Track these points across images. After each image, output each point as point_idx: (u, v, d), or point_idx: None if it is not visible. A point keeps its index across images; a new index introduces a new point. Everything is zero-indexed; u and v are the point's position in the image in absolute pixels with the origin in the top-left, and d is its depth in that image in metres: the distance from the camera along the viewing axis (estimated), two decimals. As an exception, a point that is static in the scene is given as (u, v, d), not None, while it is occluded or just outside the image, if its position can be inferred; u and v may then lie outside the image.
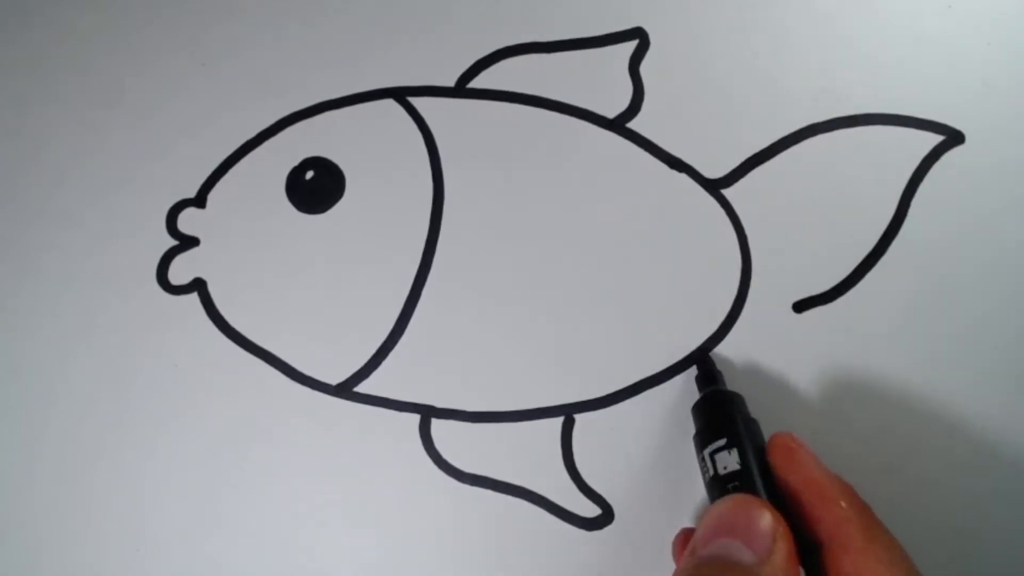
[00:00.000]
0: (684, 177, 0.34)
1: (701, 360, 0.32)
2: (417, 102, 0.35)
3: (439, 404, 0.33)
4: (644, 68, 0.35)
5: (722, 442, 0.27)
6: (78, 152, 0.36)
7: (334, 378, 0.34)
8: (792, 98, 0.34)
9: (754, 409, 0.30)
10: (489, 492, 0.32)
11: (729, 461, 0.27)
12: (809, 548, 0.25)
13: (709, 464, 0.27)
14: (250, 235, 0.35)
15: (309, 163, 0.35)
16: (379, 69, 0.36)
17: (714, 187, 0.34)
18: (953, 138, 0.33)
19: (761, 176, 0.34)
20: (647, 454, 0.32)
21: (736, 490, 0.26)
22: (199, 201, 0.36)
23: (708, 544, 0.24)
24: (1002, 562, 0.30)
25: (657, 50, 0.35)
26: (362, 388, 0.34)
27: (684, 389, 0.32)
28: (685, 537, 0.29)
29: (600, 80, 0.35)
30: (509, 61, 0.35)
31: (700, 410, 0.30)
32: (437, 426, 0.33)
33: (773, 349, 0.32)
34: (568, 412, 0.33)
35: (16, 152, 0.37)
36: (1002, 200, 0.32)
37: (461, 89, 0.35)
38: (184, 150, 0.36)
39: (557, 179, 0.34)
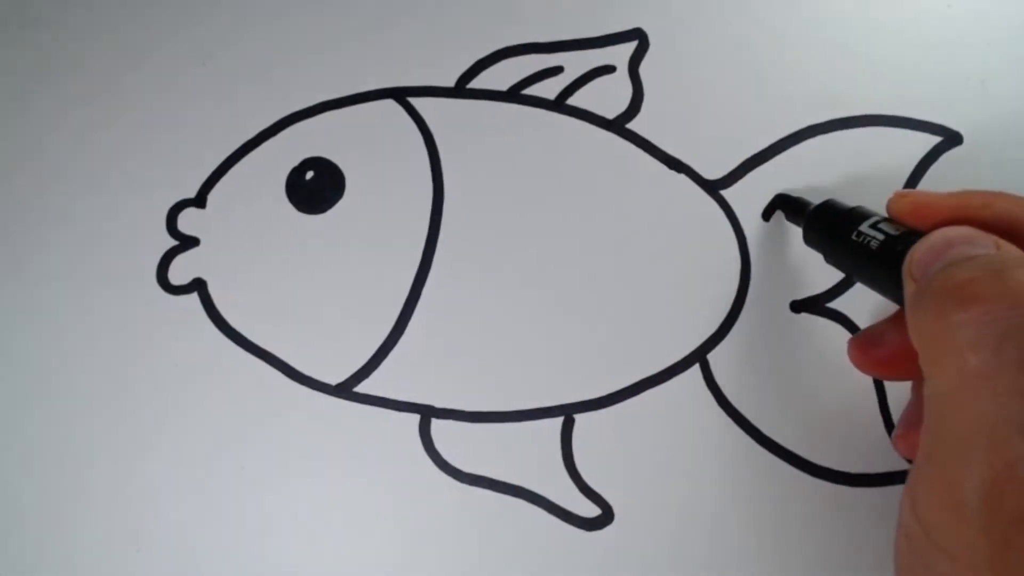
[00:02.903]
0: (683, 178, 0.34)
1: (782, 200, 0.32)
2: (417, 102, 0.35)
3: (439, 404, 0.33)
4: (644, 69, 0.35)
5: (880, 216, 0.26)
6: (78, 152, 0.36)
7: (334, 378, 0.34)
8: (791, 99, 0.34)
9: (754, 408, 0.30)
10: (489, 492, 0.32)
11: (895, 228, 0.25)
12: None
13: (876, 233, 0.25)
14: (250, 235, 0.35)
15: (309, 163, 0.35)
16: (379, 69, 0.36)
17: (713, 188, 0.34)
18: (951, 139, 0.33)
19: (761, 177, 0.34)
20: (647, 454, 0.32)
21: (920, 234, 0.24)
22: (199, 201, 0.36)
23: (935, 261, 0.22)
24: None
25: (657, 51, 0.35)
26: (362, 388, 0.34)
27: (684, 389, 0.32)
28: (864, 339, 0.28)
29: (600, 80, 0.35)
30: (509, 61, 0.35)
31: (832, 209, 0.28)
32: (437, 426, 0.33)
33: (773, 349, 0.32)
34: (568, 412, 0.33)
35: (16, 152, 0.37)
36: (1000, 201, 0.32)
37: (461, 89, 0.35)
38: (184, 150, 0.36)
39: (557, 180, 0.34)
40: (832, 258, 0.28)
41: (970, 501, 0.19)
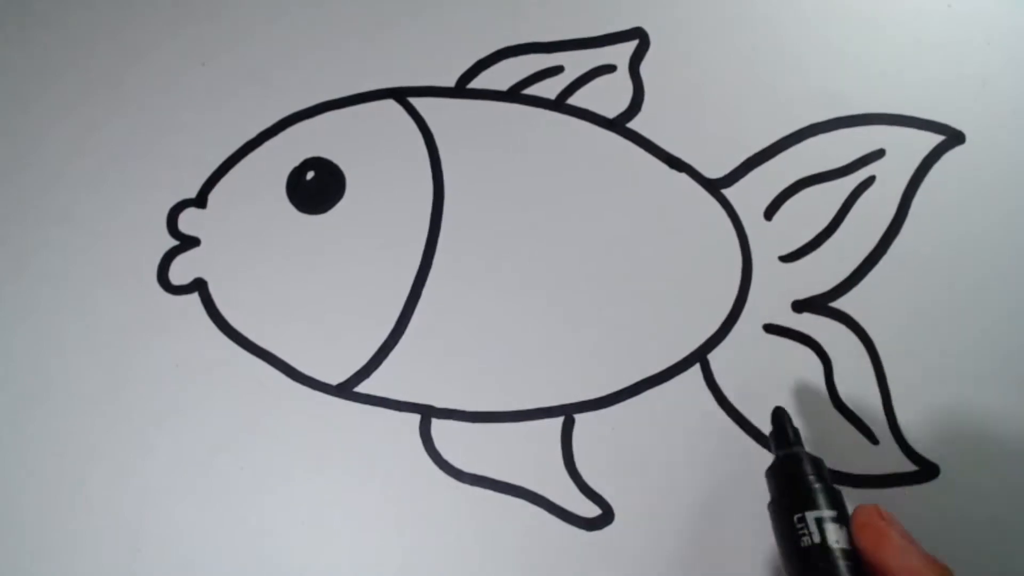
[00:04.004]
0: (684, 177, 0.34)
1: (777, 415, 0.30)
2: (417, 102, 0.35)
3: (439, 404, 0.33)
4: (644, 68, 0.35)
5: (833, 513, 0.26)
6: (79, 152, 0.36)
7: (334, 378, 0.34)
8: (792, 98, 0.34)
9: (754, 408, 0.30)
10: (489, 492, 0.32)
11: (840, 537, 0.25)
12: None
13: (815, 530, 0.25)
14: (250, 235, 0.35)
15: (309, 163, 0.35)
16: (379, 69, 0.36)
17: (714, 187, 0.34)
18: (953, 138, 0.33)
19: (761, 176, 0.34)
20: (647, 454, 0.32)
21: (851, 571, 0.25)
22: (200, 201, 0.36)
23: None
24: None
25: (658, 50, 0.35)
26: (362, 388, 0.34)
27: (684, 389, 0.32)
28: None
29: (600, 80, 0.35)
30: (509, 61, 0.35)
31: (792, 472, 0.28)
32: (437, 426, 0.33)
33: (773, 349, 0.32)
34: (568, 412, 0.33)
35: (17, 152, 0.37)
36: (1002, 199, 0.32)
37: (461, 89, 0.35)
38: (184, 150, 0.36)
39: (557, 179, 0.34)
40: (771, 511, 0.28)
41: None
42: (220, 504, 0.33)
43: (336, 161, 0.35)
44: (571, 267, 0.34)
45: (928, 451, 0.31)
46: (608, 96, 0.35)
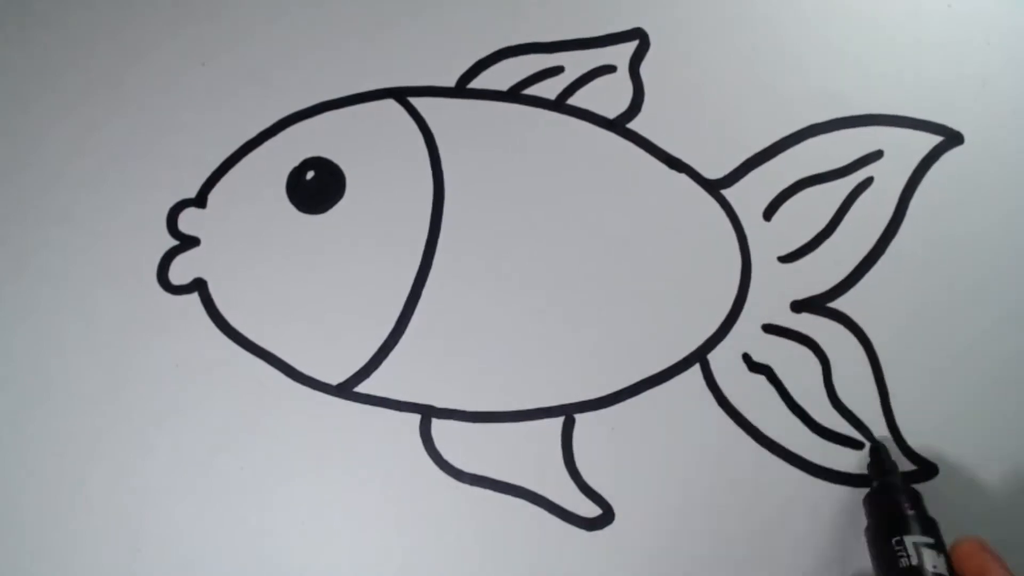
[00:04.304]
0: (684, 177, 0.34)
1: (875, 448, 0.31)
2: (417, 102, 0.35)
3: (439, 404, 0.33)
4: (644, 68, 0.35)
5: (931, 540, 0.27)
6: (79, 152, 0.36)
7: (334, 378, 0.34)
8: (792, 99, 0.34)
9: (754, 408, 0.30)
10: (489, 492, 0.32)
11: (938, 563, 0.26)
12: None
13: (913, 554, 0.26)
14: (250, 235, 0.35)
15: (309, 163, 0.35)
16: (379, 69, 0.36)
17: (714, 187, 0.34)
18: (952, 139, 0.33)
19: (760, 177, 0.34)
20: (647, 454, 0.32)
21: None
22: (200, 201, 0.36)
23: None
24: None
25: (658, 50, 0.35)
26: (362, 388, 0.34)
27: (684, 389, 0.32)
28: None
29: (600, 80, 0.35)
30: (509, 61, 0.35)
31: (891, 496, 0.29)
32: (437, 426, 0.33)
33: (773, 349, 0.32)
34: (568, 412, 0.33)
35: (17, 152, 0.37)
36: (1001, 200, 0.32)
37: (461, 89, 0.35)
38: (184, 150, 0.36)
39: (557, 179, 0.34)
40: (867, 536, 0.29)
41: None
42: (220, 504, 0.33)
43: (336, 161, 0.35)
44: (571, 267, 0.34)
45: (926, 450, 0.31)
46: (608, 96, 0.35)
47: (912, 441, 0.31)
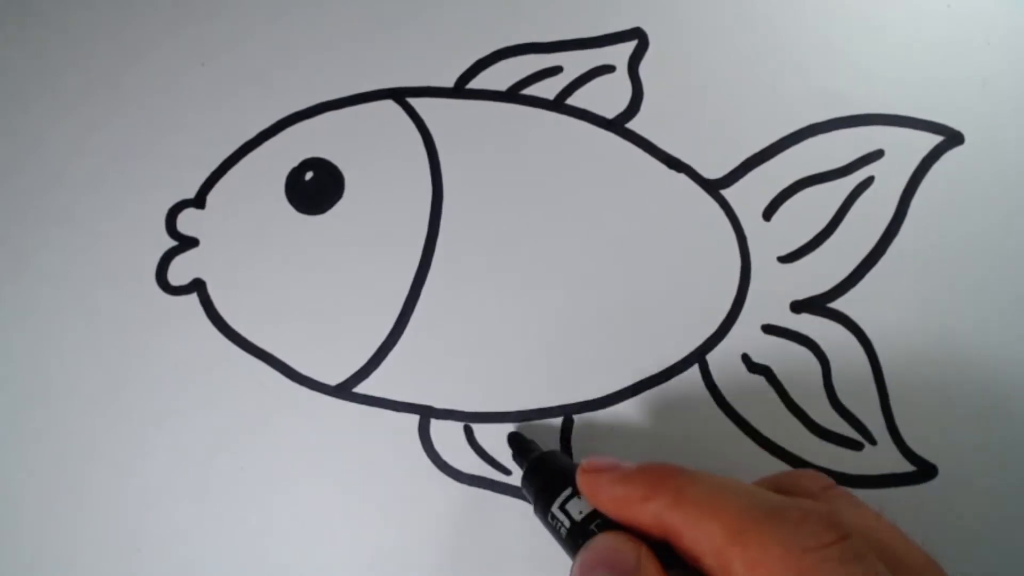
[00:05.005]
0: (684, 177, 0.34)
1: (512, 439, 0.31)
2: (416, 103, 0.35)
3: (439, 404, 0.33)
4: (643, 68, 0.35)
5: (568, 491, 0.26)
6: (77, 152, 0.36)
7: (334, 378, 0.34)
8: (791, 98, 0.34)
9: (754, 408, 0.30)
10: (489, 492, 0.32)
11: (583, 505, 0.26)
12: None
13: (563, 517, 0.26)
14: (250, 236, 0.35)
15: (309, 164, 0.35)
16: (379, 69, 0.36)
17: (713, 187, 0.34)
18: (952, 139, 0.33)
19: (761, 176, 0.34)
20: (646, 455, 0.32)
21: (600, 528, 0.25)
22: (199, 202, 0.36)
23: None
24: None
25: (656, 50, 0.35)
26: (362, 388, 0.34)
27: (684, 389, 0.32)
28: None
29: (599, 80, 0.35)
30: (509, 61, 0.35)
31: (532, 477, 0.29)
32: (436, 426, 0.33)
33: (772, 349, 0.32)
34: (568, 412, 0.33)
35: (15, 152, 0.37)
36: (1002, 200, 0.32)
37: (460, 89, 0.35)
38: (184, 150, 0.36)
39: (556, 179, 0.34)
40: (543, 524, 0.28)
41: None
42: (220, 504, 0.33)
43: (335, 161, 0.35)
44: (570, 267, 0.34)
45: (926, 451, 0.31)
46: (607, 96, 0.35)
47: (912, 442, 0.31)
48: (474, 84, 0.35)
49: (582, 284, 0.33)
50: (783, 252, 0.33)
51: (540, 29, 0.35)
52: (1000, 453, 0.31)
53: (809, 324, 0.32)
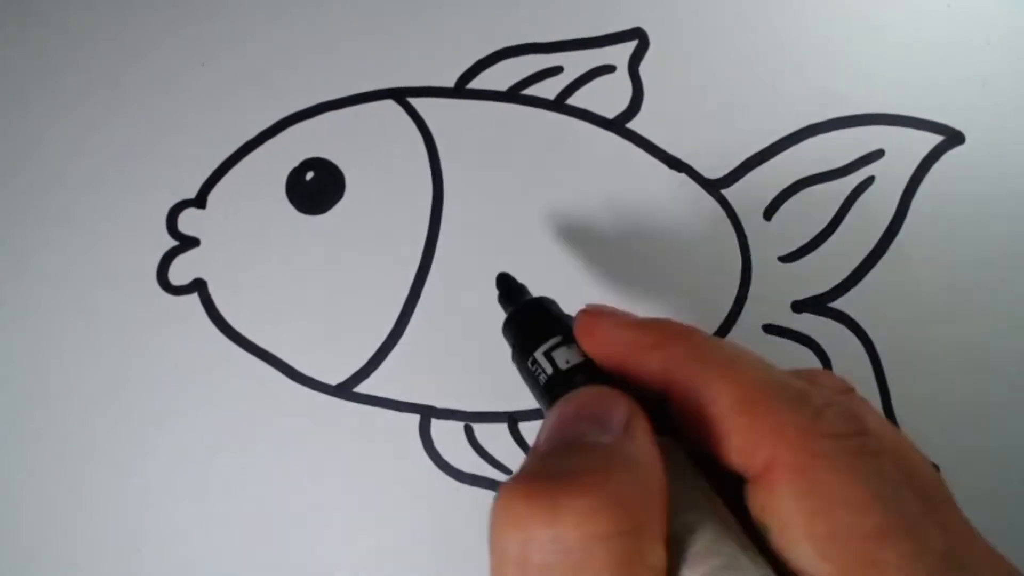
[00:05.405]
0: (684, 177, 0.34)
1: (502, 279, 0.29)
2: (417, 102, 0.35)
3: (439, 404, 0.33)
4: (644, 68, 0.35)
5: (557, 339, 0.24)
6: (77, 152, 0.36)
7: (334, 378, 0.34)
8: (792, 98, 0.34)
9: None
10: (489, 492, 0.32)
11: (570, 355, 0.23)
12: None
13: (545, 364, 0.23)
14: (250, 235, 0.35)
15: (309, 164, 0.35)
16: (379, 69, 0.36)
17: (714, 187, 0.34)
18: (953, 138, 0.33)
19: (761, 176, 0.34)
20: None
21: (585, 383, 0.22)
22: (199, 202, 0.36)
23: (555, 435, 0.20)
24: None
25: (657, 50, 0.35)
26: (362, 388, 0.34)
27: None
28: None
29: (600, 80, 0.35)
30: (509, 61, 0.35)
31: (519, 319, 0.26)
32: (437, 426, 0.33)
33: (773, 349, 0.32)
34: (568, 412, 0.33)
35: (15, 152, 0.37)
36: (1002, 200, 0.32)
37: (461, 89, 0.35)
38: (184, 150, 0.36)
39: (556, 179, 0.34)
40: (517, 369, 0.25)
41: None
42: (220, 504, 0.33)
43: (335, 161, 0.35)
44: (570, 267, 0.34)
45: (927, 451, 0.31)
46: (607, 96, 0.35)
47: (913, 442, 0.31)
48: (475, 84, 0.35)
49: (582, 284, 0.33)
50: (784, 252, 0.33)
51: (540, 29, 0.35)
52: (1000, 453, 0.31)
53: (810, 324, 0.32)
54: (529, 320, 0.26)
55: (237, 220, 0.35)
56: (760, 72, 0.34)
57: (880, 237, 0.33)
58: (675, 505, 0.18)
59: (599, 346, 0.22)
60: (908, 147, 0.33)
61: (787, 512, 0.17)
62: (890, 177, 0.33)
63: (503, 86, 0.35)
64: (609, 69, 0.35)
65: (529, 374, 0.24)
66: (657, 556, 0.17)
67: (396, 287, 0.34)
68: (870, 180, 0.33)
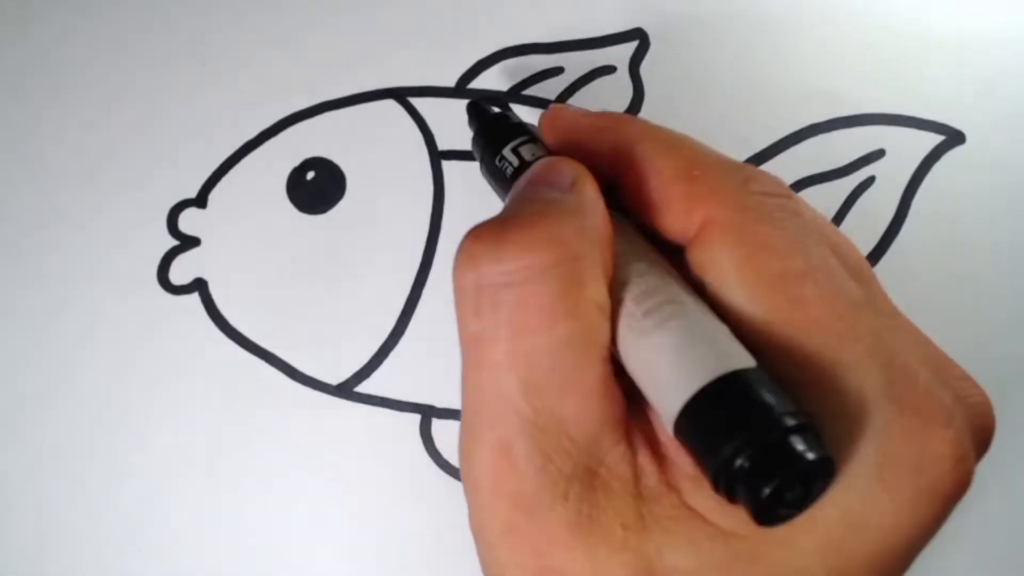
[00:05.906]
0: (684, 177, 0.34)
1: (472, 105, 0.29)
2: (417, 102, 0.35)
3: (440, 404, 0.33)
4: (644, 69, 0.35)
5: (525, 137, 0.25)
6: (78, 152, 0.36)
7: (334, 378, 0.34)
8: (792, 98, 0.34)
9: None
10: (489, 492, 0.32)
11: (536, 150, 0.24)
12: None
13: (512, 158, 0.25)
14: (251, 235, 0.35)
15: (310, 163, 0.35)
16: (379, 69, 0.36)
17: (714, 187, 0.34)
18: (954, 138, 0.33)
19: (761, 176, 0.34)
20: (648, 454, 0.32)
21: None
22: (200, 201, 0.36)
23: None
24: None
25: (657, 51, 0.35)
26: (362, 388, 0.34)
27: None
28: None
29: (600, 81, 0.35)
30: (509, 61, 0.35)
31: (488, 126, 0.27)
32: (438, 426, 0.33)
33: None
34: (568, 412, 0.33)
35: (15, 152, 0.37)
36: (1003, 200, 0.32)
37: (461, 89, 0.35)
38: (184, 150, 0.36)
39: (557, 179, 0.34)
40: (486, 178, 0.27)
41: (479, 481, 0.20)
42: (220, 504, 0.33)
43: (336, 161, 0.35)
44: (571, 267, 0.34)
45: (928, 451, 0.31)
46: (608, 97, 0.35)
47: (913, 441, 0.31)
48: (475, 84, 0.35)
49: (583, 284, 0.33)
50: (784, 252, 0.33)
51: (541, 29, 0.35)
52: (1000, 453, 0.31)
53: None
54: (498, 126, 0.27)
55: (238, 220, 0.35)
56: (760, 72, 0.34)
57: (880, 237, 0.33)
58: (621, 258, 0.20)
59: (560, 132, 0.24)
60: (909, 147, 0.33)
61: (720, 263, 0.19)
62: (890, 177, 0.33)
63: (503, 86, 0.35)
64: (610, 69, 0.35)
65: (497, 173, 0.25)
66: (598, 291, 0.18)
67: (397, 286, 0.34)
68: (870, 180, 0.33)
